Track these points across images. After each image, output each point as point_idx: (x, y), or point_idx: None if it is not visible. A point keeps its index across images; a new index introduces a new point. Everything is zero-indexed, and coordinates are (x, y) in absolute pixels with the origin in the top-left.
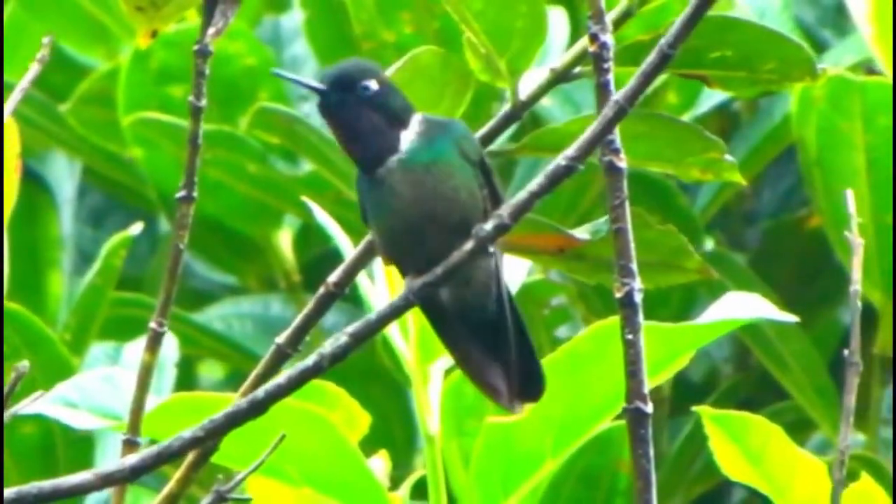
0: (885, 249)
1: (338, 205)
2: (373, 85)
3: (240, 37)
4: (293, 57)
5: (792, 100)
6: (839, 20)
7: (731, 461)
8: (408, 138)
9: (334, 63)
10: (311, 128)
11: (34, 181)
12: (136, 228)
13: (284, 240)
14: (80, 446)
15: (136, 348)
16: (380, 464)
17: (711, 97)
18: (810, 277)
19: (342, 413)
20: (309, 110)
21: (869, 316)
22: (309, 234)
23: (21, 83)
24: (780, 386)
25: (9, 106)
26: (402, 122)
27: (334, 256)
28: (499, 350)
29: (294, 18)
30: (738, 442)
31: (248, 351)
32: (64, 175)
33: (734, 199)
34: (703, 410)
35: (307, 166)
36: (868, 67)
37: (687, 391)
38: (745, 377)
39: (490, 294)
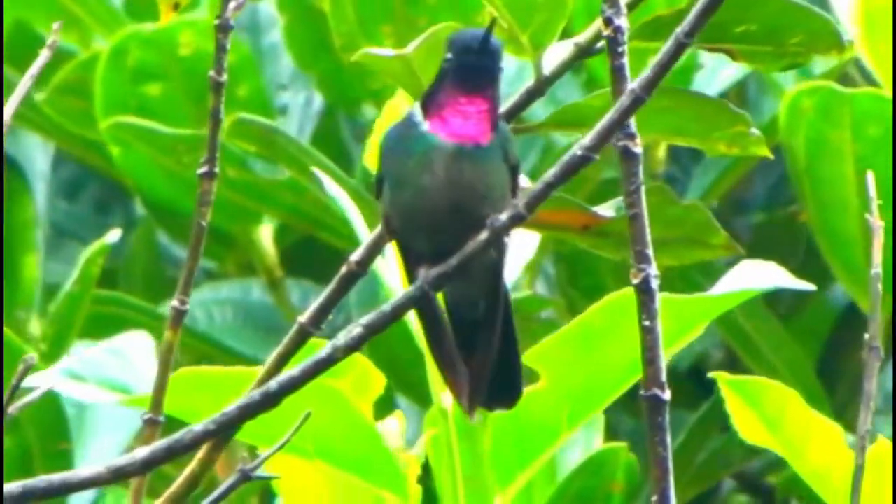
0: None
1: (317, 208)
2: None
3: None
4: (271, 44)
5: (781, 105)
6: None
7: (748, 426)
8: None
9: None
10: (289, 138)
11: (5, 160)
12: (115, 236)
13: (266, 235)
14: (57, 459)
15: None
16: (394, 425)
17: (700, 90)
18: (801, 271)
19: (355, 376)
20: (287, 100)
21: (862, 322)
22: (287, 233)
23: (30, 70)
24: None
25: (16, 96)
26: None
27: (316, 238)
28: (478, 351)
29: (271, 6)
30: (755, 407)
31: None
32: (37, 152)
33: (725, 192)
34: (720, 376)
35: (286, 172)
36: (857, 64)
37: (677, 394)
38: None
39: (488, 292)
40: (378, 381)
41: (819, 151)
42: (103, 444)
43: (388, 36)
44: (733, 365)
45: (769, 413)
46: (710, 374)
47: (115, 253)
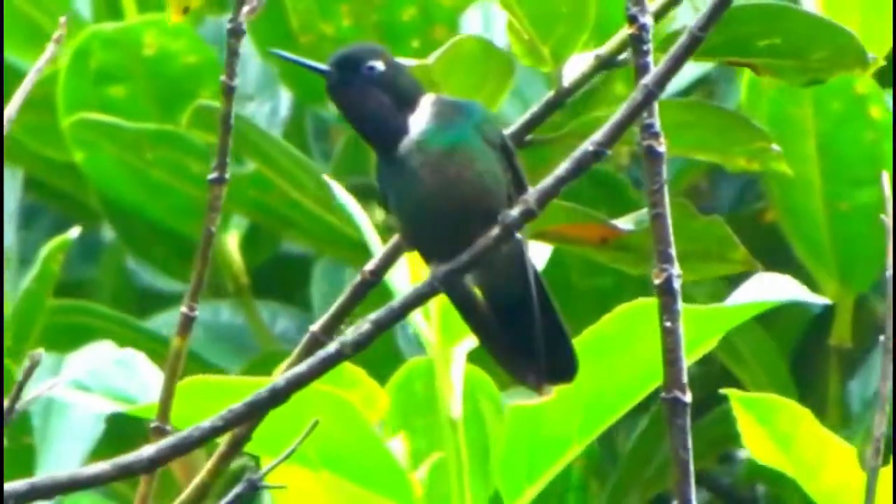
0: (838, 238)
1: (284, 204)
2: (379, 65)
3: (182, 35)
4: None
5: (741, 85)
6: None
7: (759, 445)
8: (420, 120)
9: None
10: (253, 125)
11: None
12: (74, 232)
13: (231, 242)
14: (21, 461)
15: (78, 358)
16: (399, 444)
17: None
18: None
19: (361, 393)
20: (254, 110)
21: (824, 307)
22: (256, 236)
23: (37, 63)
24: (741, 382)
25: (23, 87)
26: (411, 104)
27: (283, 258)
28: (525, 332)
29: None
30: (766, 425)
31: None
32: (5, 185)
33: (690, 193)
34: (732, 393)
35: (253, 165)
36: None
37: None
38: (704, 372)
39: (514, 277)
40: (383, 400)
41: (781, 129)
42: (62, 455)
43: (346, 15)
44: (705, 362)
45: (781, 432)
46: (722, 391)
47: (80, 279)
